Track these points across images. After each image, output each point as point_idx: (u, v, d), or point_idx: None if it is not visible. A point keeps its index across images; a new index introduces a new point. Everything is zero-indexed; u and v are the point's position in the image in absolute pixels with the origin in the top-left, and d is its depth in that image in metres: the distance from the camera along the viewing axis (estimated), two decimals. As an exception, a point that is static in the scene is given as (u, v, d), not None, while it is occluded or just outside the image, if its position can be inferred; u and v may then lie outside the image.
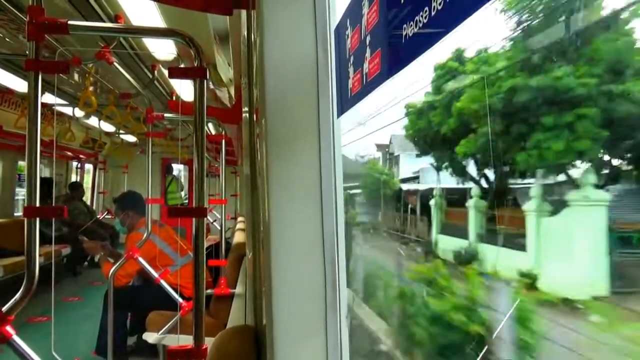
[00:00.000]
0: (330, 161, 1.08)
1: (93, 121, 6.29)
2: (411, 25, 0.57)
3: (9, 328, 1.36)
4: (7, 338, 1.36)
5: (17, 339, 1.38)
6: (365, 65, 0.79)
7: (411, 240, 12.51)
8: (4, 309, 1.36)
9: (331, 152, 1.08)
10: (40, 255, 1.38)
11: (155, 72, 3.94)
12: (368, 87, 0.79)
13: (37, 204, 1.35)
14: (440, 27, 0.51)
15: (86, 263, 7.84)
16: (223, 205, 3.98)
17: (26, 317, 4.77)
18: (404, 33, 0.59)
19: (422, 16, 0.53)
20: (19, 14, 2.63)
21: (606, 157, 8.22)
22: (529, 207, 8.40)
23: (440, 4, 0.49)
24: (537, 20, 8.72)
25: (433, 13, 0.51)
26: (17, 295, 1.36)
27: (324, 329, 1.07)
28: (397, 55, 0.65)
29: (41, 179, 1.37)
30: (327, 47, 1.06)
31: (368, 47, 0.77)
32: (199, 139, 1.39)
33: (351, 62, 0.89)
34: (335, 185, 1.09)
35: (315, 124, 1.07)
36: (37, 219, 1.35)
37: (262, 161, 1.20)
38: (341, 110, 1.03)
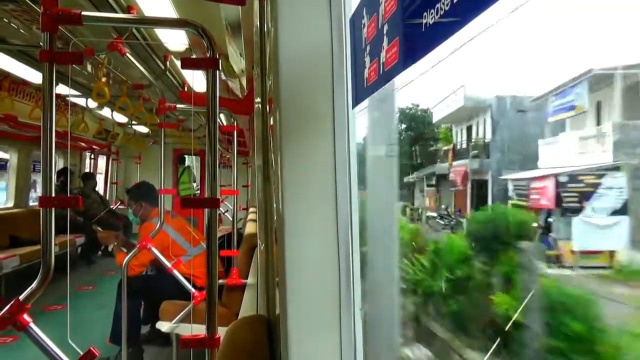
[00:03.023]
0: (345, 152, 1.07)
1: (106, 112, 6.34)
2: (432, 13, 0.56)
3: (26, 316, 1.38)
4: (24, 326, 1.38)
5: (33, 326, 1.40)
6: (382, 54, 0.78)
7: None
8: (21, 297, 1.38)
9: (346, 143, 1.07)
10: (55, 245, 1.39)
11: (168, 62, 3.94)
12: (385, 76, 0.78)
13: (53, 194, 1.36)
14: (462, 15, 0.49)
15: (100, 252, 7.94)
16: (235, 196, 4.00)
17: (42, 306, 4.86)
18: (424, 21, 0.58)
19: (444, 3, 0.52)
20: (33, 5, 2.65)
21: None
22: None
23: (462, -10, 0.48)
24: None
25: (455, 0, 0.49)
26: (34, 284, 1.38)
27: (338, 320, 1.07)
28: (416, 44, 0.64)
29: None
30: (342, 37, 1.05)
31: (385, 36, 0.76)
32: (211, 129, 1.38)
33: (367, 51, 0.88)
34: (350, 176, 1.09)
35: (330, 115, 1.06)
36: (53, 209, 1.36)
37: (275, 152, 1.20)
38: (356, 101, 1.02)
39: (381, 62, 0.79)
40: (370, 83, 0.88)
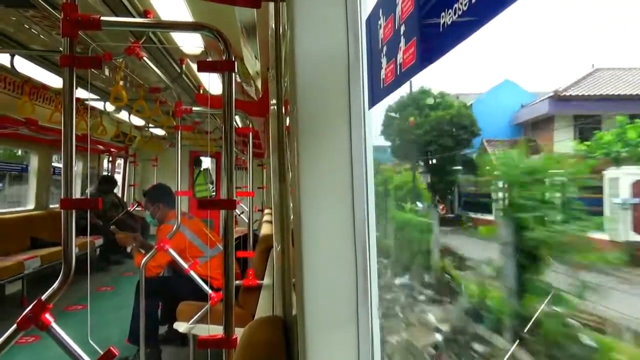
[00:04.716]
0: (361, 153, 1.07)
1: (123, 115, 6.43)
2: (449, 13, 0.56)
3: (48, 316, 1.41)
4: (46, 325, 1.41)
5: (55, 326, 1.43)
6: (399, 55, 0.78)
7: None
8: (43, 297, 1.41)
9: (362, 144, 1.07)
10: (75, 246, 1.41)
11: (184, 66, 3.98)
12: (402, 77, 0.78)
13: (74, 196, 1.38)
14: (480, 15, 0.49)
15: (118, 254, 8.04)
16: (250, 198, 4.02)
17: (63, 306, 4.94)
18: (441, 21, 0.58)
19: (461, 3, 0.52)
20: (53, 11, 2.70)
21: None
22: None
23: (480, -10, 0.48)
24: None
25: (474, 0, 0.49)
26: (55, 285, 1.40)
27: (355, 320, 1.07)
28: (434, 44, 0.64)
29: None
30: (359, 38, 1.05)
31: (402, 37, 0.76)
32: (227, 132, 1.39)
33: (384, 52, 0.88)
34: (366, 177, 1.08)
35: (347, 116, 1.07)
36: (74, 211, 1.38)
37: (292, 153, 1.20)
38: (372, 102, 1.02)
39: (398, 62, 0.79)
40: (386, 84, 0.88)
